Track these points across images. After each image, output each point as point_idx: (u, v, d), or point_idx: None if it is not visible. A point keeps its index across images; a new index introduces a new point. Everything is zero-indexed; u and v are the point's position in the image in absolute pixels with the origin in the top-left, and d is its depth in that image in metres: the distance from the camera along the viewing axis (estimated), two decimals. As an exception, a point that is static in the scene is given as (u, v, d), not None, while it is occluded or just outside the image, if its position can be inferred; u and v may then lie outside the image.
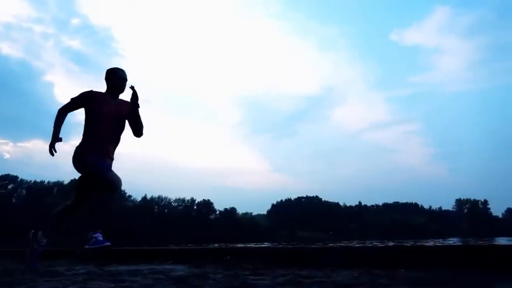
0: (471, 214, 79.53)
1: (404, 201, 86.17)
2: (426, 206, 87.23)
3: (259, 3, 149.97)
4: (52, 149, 2.79)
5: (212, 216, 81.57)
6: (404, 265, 2.22)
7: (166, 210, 78.42)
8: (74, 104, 2.93)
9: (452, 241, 25.20)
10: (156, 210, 76.24)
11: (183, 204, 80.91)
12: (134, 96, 2.90)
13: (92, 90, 2.94)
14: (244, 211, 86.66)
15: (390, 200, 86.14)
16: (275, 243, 28.01)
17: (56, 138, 2.83)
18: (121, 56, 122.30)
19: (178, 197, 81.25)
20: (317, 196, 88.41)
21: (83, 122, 2.94)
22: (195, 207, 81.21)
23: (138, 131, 3.04)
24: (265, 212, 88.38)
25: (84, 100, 2.90)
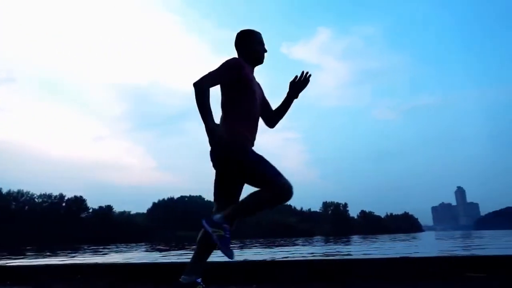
0: (334, 215, 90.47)
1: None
2: (298, 207, 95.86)
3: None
4: (217, 138, 1.92)
5: (84, 215, 74.32)
6: (259, 280, 2.36)
7: (26, 207, 68.34)
8: (222, 76, 2.03)
9: (317, 239, 28.32)
10: (13, 206, 65.82)
11: (49, 201, 71.86)
12: (305, 84, 2.26)
13: (240, 58, 2.14)
14: (122, 210, 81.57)
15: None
16: (154, 244, 27.02)
17: (213, 123, 1.93)
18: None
19: (43, 192, 71.86)
20: (200, 196, 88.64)
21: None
22: (64, 204, 72.84)
23: (278, 121, 2.37)
24: (145, 211, 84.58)
25: (237, 70, 2.05)
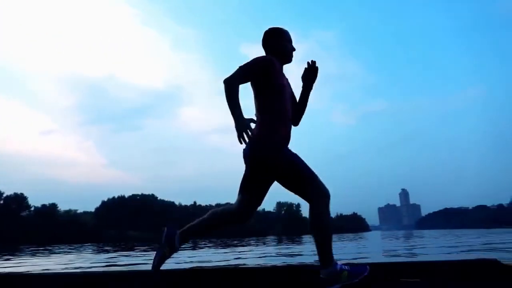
0: (287, 215, 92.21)
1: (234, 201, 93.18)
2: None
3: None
4: (244, 134, 1.82)
5: (24, 213, 69.32)
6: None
7: (-43, 205, 62.45)
8: (250, 72, 2.00)
9: (270, 239, 28.67)
10: None
11: (-15, 198, 66.17)
12: (314, 73, 2.24)
13: (271, 57, 2.10)
14: (67, 208, 77.14)
15: (223, 201, 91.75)
16: (101, 245, 25.83)
17: (242, 117, 1.85)
18: None
19: (-23, 189, 66.04)
20: (153, 194, 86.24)
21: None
22: (1, 201, 67.46)
23: (300, 118, 2.31)
24: (93, 210, 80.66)
25: (265, 68, 2.01)
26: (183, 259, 7.85)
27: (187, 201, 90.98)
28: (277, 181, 2.03)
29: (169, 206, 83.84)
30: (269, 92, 2.02)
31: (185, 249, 13.56)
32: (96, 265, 6.78)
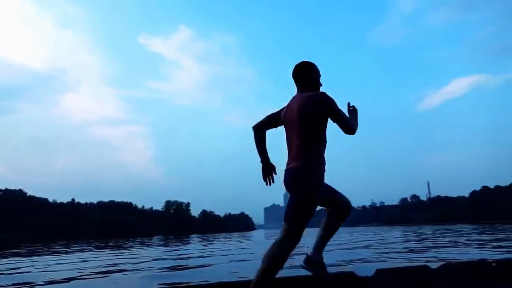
0: (176, 214, 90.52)
1: (119, 200, 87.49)
2: (139, 206, 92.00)
3: None
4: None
5: None
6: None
7: None
8: None
9: (156, 239, 27.73)
10: None
11: None
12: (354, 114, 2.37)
13: None
14: None
15: (106, 199, 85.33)
16: None
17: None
18: None
19: None
20: (20, 190, 75.06)
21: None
22: None
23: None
24: None
25: None
26: (64, 265, 7.05)
27: (64, 198, 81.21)
28: (292, 204, 2.13)
29: (40, 203, 74.03)
30: (321, 126, 2.13)
31: (60, 252, 12.17)
32: None
